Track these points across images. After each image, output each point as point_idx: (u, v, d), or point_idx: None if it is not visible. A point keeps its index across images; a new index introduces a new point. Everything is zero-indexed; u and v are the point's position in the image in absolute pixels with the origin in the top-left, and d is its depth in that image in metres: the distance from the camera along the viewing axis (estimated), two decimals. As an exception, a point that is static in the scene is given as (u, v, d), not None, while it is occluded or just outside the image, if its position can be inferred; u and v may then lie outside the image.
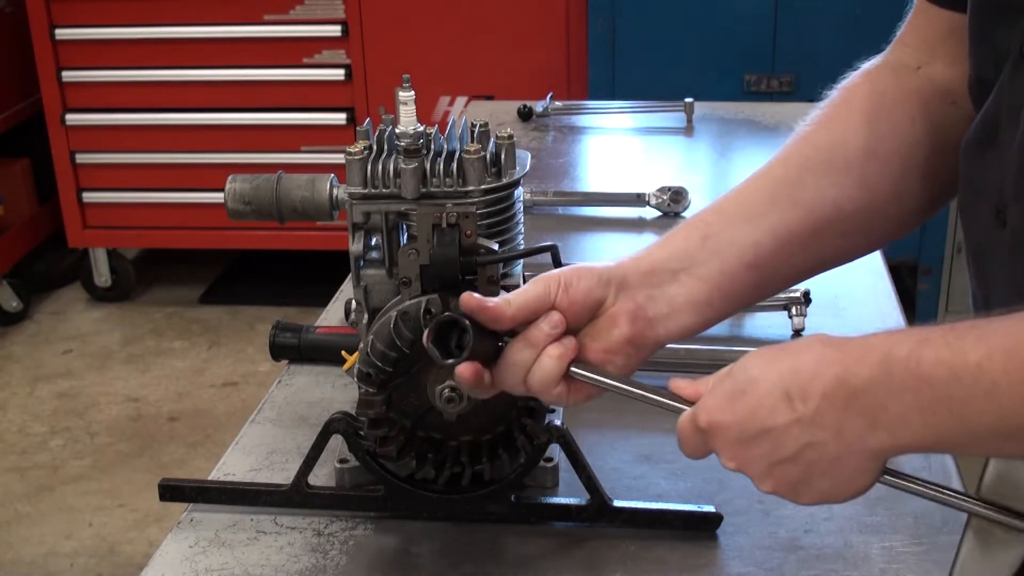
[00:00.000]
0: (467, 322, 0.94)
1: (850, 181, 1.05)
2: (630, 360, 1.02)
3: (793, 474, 0.89)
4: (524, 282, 1.17)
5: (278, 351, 1.48)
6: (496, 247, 1.10)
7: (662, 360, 1.41)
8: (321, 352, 1.46)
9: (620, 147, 2.39)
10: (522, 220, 1.19)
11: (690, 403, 0.96)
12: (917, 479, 0.91)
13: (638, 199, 1.93)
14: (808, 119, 1.10)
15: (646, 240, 1.89)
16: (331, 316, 1.61)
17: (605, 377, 1.00)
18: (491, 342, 0.98)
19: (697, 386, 0.97)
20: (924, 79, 1.08)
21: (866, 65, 1.12)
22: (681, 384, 0.98)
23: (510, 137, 1.15)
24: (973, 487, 0.89)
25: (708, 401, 0.93)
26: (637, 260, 1.04)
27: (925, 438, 0.84)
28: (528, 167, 1.17)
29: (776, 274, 1.07)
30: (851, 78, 1.11)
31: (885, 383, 0.84)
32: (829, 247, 1.07)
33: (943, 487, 0.91)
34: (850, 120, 1.07)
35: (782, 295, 1.53)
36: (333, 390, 1.41)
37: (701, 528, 1.12)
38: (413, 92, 1.14)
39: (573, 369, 0.99)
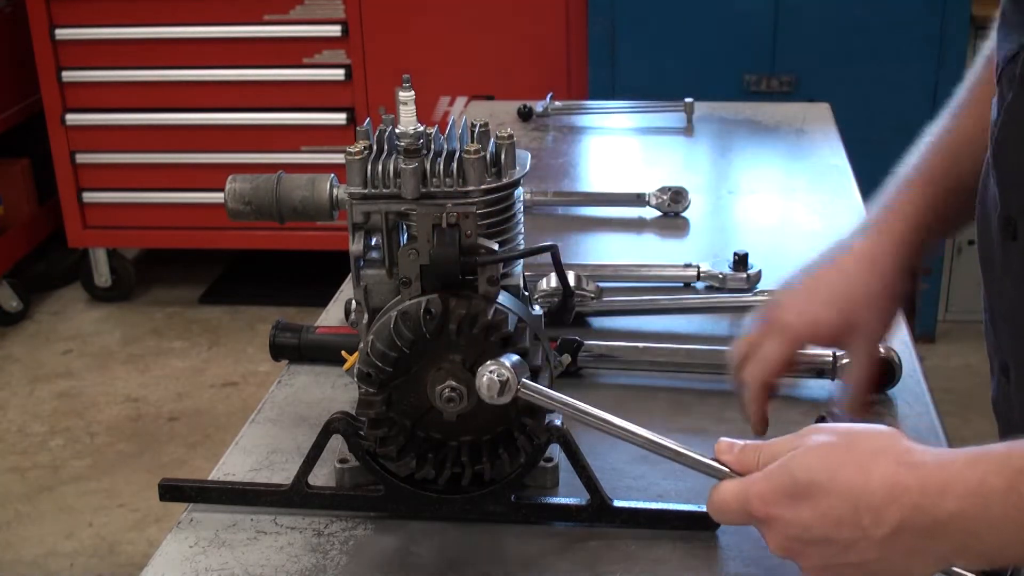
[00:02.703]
0: None
1: None
2: None
3: (849, 575, 0.86)
4: (524, 282, 1.18)
5: (278, 351, 1.48)
6: (496, 247, 1.10)
7: (662, 360, 1.42)
8: (321, 352, 1.46)
9: (620, 147, 2.39)
10: (522, 220, 1.19)
11: (732, 472, 0.95)
12: None
13: (638, 199, 1.93)
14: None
15: (646, 240, 1.91)
16: (331, 316, 1.61)
17: (640, 432, 1.00)
18: None
19: (743, 457, 0.95)
20: None
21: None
22: (724, 449, 0.96)
23: (510, 137, 1.14)
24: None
25: (763, 489, 0.89)
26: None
27: None
28: (528, 167, 1.16)
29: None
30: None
31: (980, 516, 0.80)
32: None
33: None
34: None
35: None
36: (333, 390, 1.41)
37: (701, 528, 1.12)
38: (413, 92, 1.14)
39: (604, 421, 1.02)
